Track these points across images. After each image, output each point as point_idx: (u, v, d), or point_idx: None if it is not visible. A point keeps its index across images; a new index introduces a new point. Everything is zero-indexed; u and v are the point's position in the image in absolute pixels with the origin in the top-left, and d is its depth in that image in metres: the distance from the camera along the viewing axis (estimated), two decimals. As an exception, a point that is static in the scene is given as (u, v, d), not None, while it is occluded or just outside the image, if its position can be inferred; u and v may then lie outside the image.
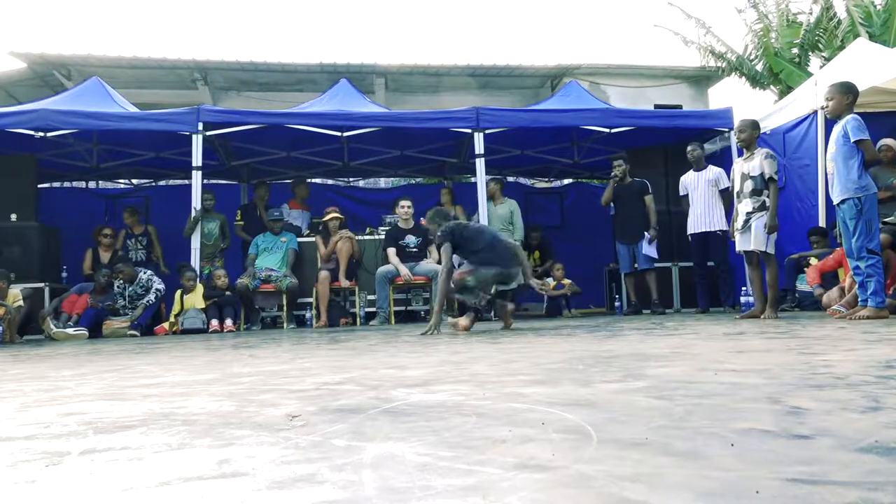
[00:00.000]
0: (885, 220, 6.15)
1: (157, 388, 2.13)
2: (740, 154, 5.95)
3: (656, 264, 7.90)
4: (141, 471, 1.00)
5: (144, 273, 7.43)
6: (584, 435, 1.13)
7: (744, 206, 5.57)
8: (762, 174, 5.45)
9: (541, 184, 12.10)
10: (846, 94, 4.88)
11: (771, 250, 5.47)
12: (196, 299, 7.25)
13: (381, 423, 1.31)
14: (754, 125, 5.70)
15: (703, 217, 7.47)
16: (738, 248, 5.75)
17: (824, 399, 1.42)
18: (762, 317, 5.41)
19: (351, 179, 11.43)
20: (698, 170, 7.62)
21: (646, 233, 7.82)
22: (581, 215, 10.72)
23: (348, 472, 0.94)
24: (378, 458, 1.02)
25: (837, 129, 4.92)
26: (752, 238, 5.46)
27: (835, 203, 4.99)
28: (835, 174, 4.92)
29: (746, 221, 5.52)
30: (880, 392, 1.48)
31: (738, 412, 1.30)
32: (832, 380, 1.70)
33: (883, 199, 6.45)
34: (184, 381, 2.31)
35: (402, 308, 8.12)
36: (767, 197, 5.45)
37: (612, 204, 8.32)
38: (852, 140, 4.76)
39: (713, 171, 7.51)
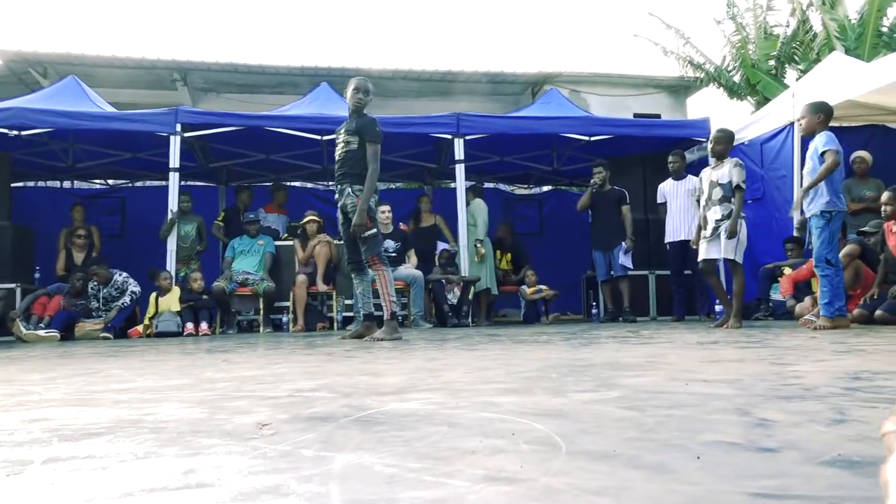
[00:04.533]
0: (861, 229, 6.26)
1: (127, 393, 2.10)
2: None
3: (631, 272, 7.95)
4: (104, 481, 0.99)
5: (120, 275, 7.34)
6: (554, 446, 1.13)
7: (713, 214, 5.62)
8: (731, 182, 5.53)
9: (520, 190, 12.15)
10: (816, 113, 5.00)
11: (739, 259, 5.53)
12: (171, 302, 7.18)
13: (352, 433, 1.30)
14: (731, 139, 5.78)
15: (681, 226, 7.54)
16: (702, 256, 5.75)
17: (792, 411, 1.43)
18: (725, 326, 5.43)
19: (330, 183, 11.39)
20: (677, 179, 7.70)
21: (622, 243, 7.86)
22: (560, 222, 10.77)
23: (315, 483, 0.93)
24: (346, 468, 1.01)
25: (813, 146, 5.01)
26: (722, 246, 5.51)
27: (807, 215, 5.08)
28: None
29: (716, 229, 5.58)
30: (846, 404, 1.50)
31: (708, 424, 1.31)
32: (801, 391, 1.72)
33: (856, 211, 6.58)
34: (155, 386, 2.29)
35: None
36: (733, 206, 5.53)
37: (589, 211, 8.36)
38: (819, 152, 4.87)
39: (692, 180, 7.58)
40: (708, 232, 5.65)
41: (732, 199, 5.52)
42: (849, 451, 1.05)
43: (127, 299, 7.20)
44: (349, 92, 5.06)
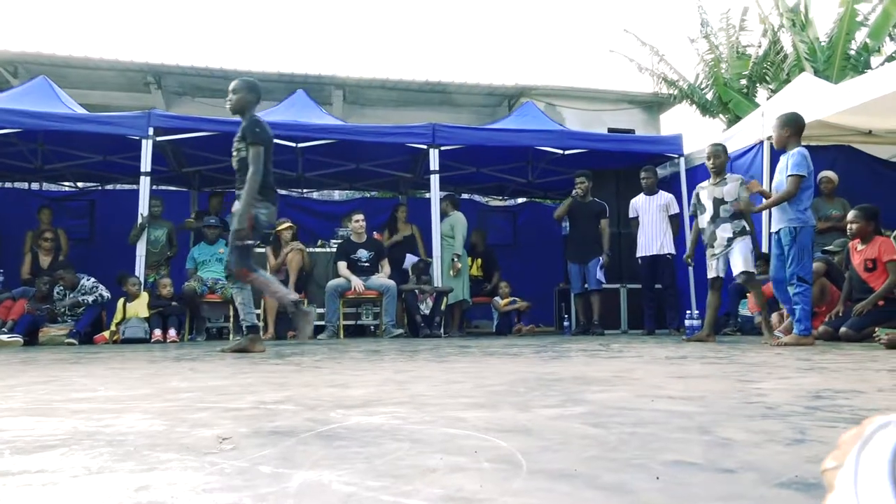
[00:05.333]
0: (826, 248, 6.37)
1: (87, 402, 2.06)
2: (706, 177, 6.00)
3: (603, 286, 8.00)
4: (53, 498, 0.96)
5: (88, 280, 7.20)
6: (515, 464, 1.12)
7: (723, 231, 5.61)
8: (738, 199, 5.60)
9: (495, 202, 12.19)
10: (784, 126, 5.07)
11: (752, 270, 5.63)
12: (139, 308, 7.06)
13: (314, 448, 1.28)
14: (726, 150, 5.90)
15: (653, 241, 7.60)
16: (715, 273, 5.71)
17: (754, 430, 1.44)
18: (703, 340, 5.57)
19: (304, 191, 11.33)
20: (649, 194, 7.76)
21: (600, 258, 7.89)
22: (533, 234, 10.80)
23: (270, 502, 0.91)
24: (303, 486, 1.00)
25: (784, 161, 5.08)
26: (742, 261, 5.52)
27: (773, 231, 5.15)
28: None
29: (727, 246, 5.59)
30: (806, 423, 1.51)
31: (670, 443, 1.31)
32: (763, 409, 1.74)
33: (823, 230, 6.70)
34: (117, 396, 2.24)
35: (352, 322, 8.06)
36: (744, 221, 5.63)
37: (565, 223, 8.38)
38: (787, 174, 4.95)
39: (664, 196, 7.66)
40: (718, 249, 5.66)
41: (741, 217, 5.61)
42: (806, 472, 1.05)
43: (90, 298, 7.03)
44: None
